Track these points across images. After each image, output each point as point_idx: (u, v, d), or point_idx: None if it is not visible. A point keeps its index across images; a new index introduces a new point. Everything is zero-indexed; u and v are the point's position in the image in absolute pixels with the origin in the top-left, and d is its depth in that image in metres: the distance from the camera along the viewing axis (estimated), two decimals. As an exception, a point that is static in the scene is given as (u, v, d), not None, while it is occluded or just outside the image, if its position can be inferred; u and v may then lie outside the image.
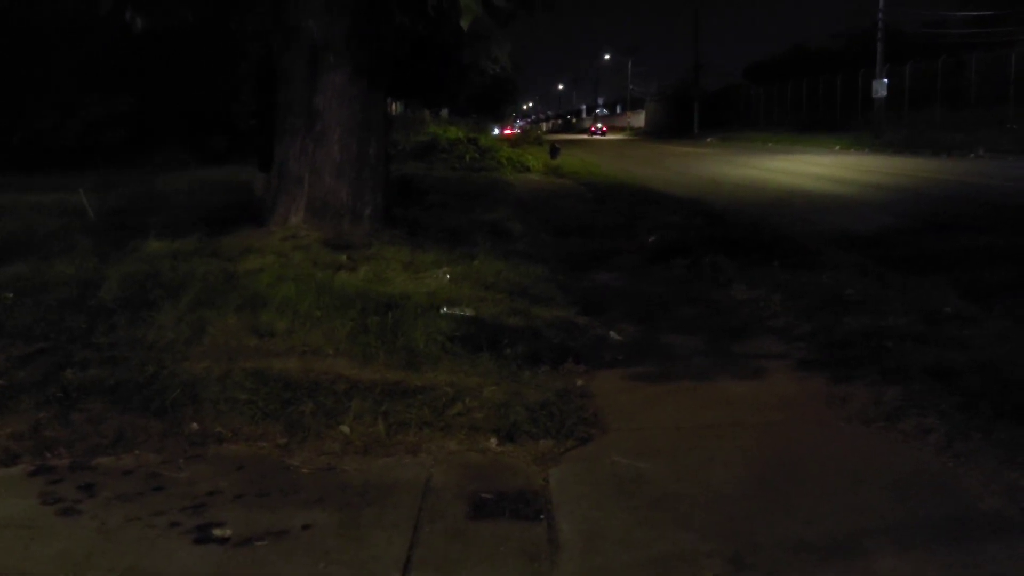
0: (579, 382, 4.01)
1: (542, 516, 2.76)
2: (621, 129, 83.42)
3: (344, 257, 5.52)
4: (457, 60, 28.14)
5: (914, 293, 5.26)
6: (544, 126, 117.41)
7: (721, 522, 2.66)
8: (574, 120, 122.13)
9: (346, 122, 6.19)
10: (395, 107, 38.73)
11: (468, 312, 4.63)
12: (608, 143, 50.49)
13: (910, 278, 5.76)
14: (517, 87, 70.08)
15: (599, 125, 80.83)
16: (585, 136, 67.62)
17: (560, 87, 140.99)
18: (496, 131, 57.12)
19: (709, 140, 43.41)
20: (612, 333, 4.80)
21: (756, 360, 4.30)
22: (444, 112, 46.19)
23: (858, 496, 2.81)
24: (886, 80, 31.89)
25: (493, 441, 3.34)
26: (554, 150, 24.23)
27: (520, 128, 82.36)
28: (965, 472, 2.94)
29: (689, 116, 55.79)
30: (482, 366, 3.96)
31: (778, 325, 4.84)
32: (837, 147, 29.19)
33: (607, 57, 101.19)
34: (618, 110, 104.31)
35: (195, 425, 3.42)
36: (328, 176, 6.20)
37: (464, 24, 4.71)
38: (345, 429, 3.41)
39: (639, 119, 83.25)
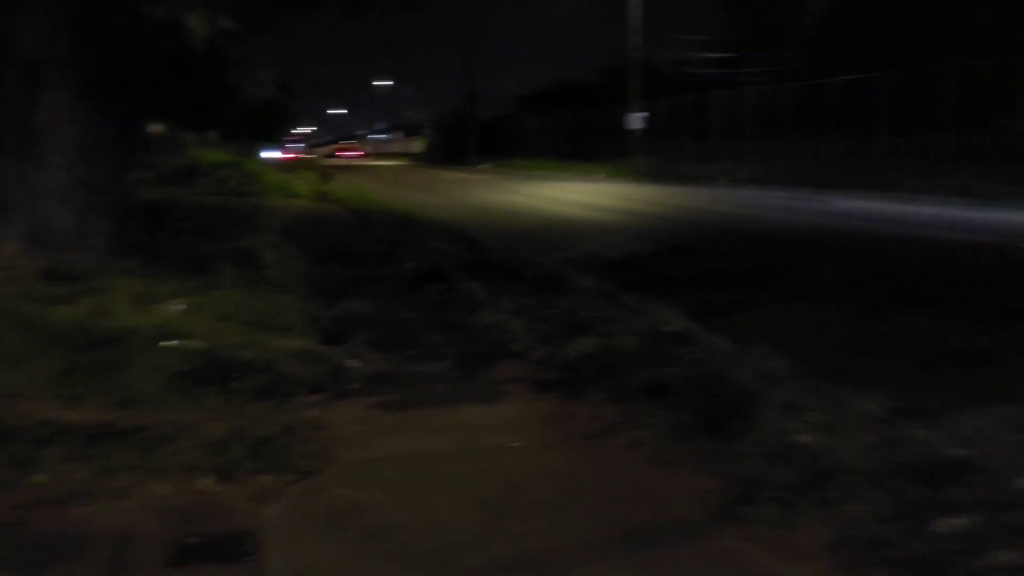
0: (311, 414, 3.90)
1: (252, 557, 2.64)
2: (399, 155, 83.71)
3: (64, 289, 5.08)
4: (221, 81, 27.09)
5: (645, 315, 5.61)
6: (324, 150, 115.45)
7: (434, 549, 2.67)
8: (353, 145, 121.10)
9: (71, 144, 5.74)
10: (157, 128, 36.60)
11: (198, 345, 4.40)
12: (384, 169, 50.47)
13: (645, 300, 6.15)
14: (291, 111, 68.57)
15: (355, 151, 78.03)
16: (362, 163, 67.09)
17: (342, 112, 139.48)
18: (273, 154, 55.45)
19: (483, 167, 44.51)
20: (354, 362, 4.73)
21: (494, 384, 4.40)
22: (213, 135, 44.27)
23: (569, 511, 2.92)
24: (644, 114, 34.18)
25: (209, 481, 3.17)
26: (325, 175, 23.86)
27: (298, 153, 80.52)
28: (665, 481, 3.14)
29: (465, 143, 56.99)
30: (207, 402, 3.77)
31: (518, 349, 4.98)
32: (601, 175, 30.88)
33: (386, 83, 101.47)
34: (400, 135, 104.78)
35: None
36: (51, 202, 5.71)
37: (195, 41, 4.51)
38: (42, 478, 3.11)
39: (417, 145, 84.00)
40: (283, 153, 66.76)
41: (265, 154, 51.22)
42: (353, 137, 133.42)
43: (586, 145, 42.23)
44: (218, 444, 3.36)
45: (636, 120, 33.90)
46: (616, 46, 39.66)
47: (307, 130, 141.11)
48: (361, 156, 67.02)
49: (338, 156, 65.43)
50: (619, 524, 2.81)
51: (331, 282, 7.39)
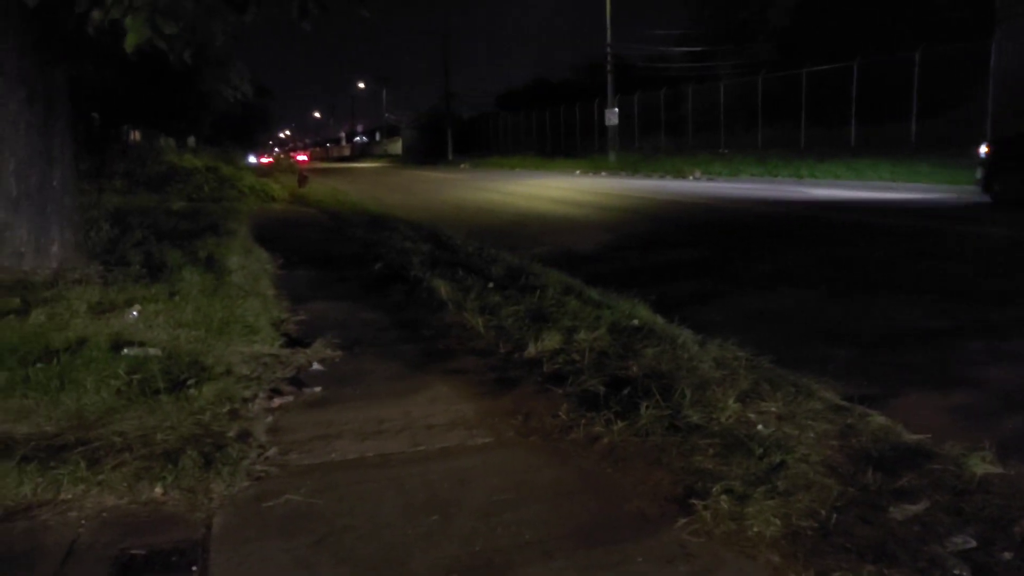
0: (267, 419, 3.85)
1: (194, 567, 2.59)
2: (379, 156, 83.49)
3: (17, 300, 4.99)
4: (197, 87, 26.92)
5: (610, 309, 5.58)
6: (302, 154, 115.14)
7: (383, 553, 2.63)
8: (332, 147, 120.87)
9: (22, 152, 5.64)
10: (134, 135, 36.37)
11: (154, 352, 4.33)
12: (362, 170, 50.28)
13: (611, 294, 6.12)
14: (270, 114, 68.23)
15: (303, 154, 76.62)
16: (343, 164, 66.82)
17: (317, 115, 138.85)
18: (252, 159, 55.20)
19: (462, 165, 44.48)
20: (315, 364, 4.69)
21: (454, 383, 4.35)
22: (191, 140, 44.03)
23: (522, 509, 2.88)
24: (617, 109, 34.26)
25: (159, 490, 3.11)
26: (302, 179, 23.75)
27: (275, 156, 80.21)
28: (620, 476, 3.11)
29: (444, 142, 56.96)
30: (161, 410, 3.70)
31: (480, 347, 4.94)
32: (577, 171, 30.92)
33: (362, 85, 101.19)
34: (377, 137, 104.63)
35: None
36: (2, 211, 5.60)
37: (128, 47, 4.43)
38: (-14, 493, 3.04)
39: (397, 146, 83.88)
40: (263, 157, 66.48)
41: (250, 159, 51.04)
42: (332, 140, 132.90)
43: (563, 141, 42.38)
44: (169, 452, 3.29)
45: (612, 116, 33.98)
46: (591, 44, 39.80)
47: (286, 133, 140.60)
48: (306, 161, 65.90)
49: (297, 161, 64.45)
50: (572, 521, 2.78)
51: (298, 285, 7.34)
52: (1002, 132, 13.91)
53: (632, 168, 29.30)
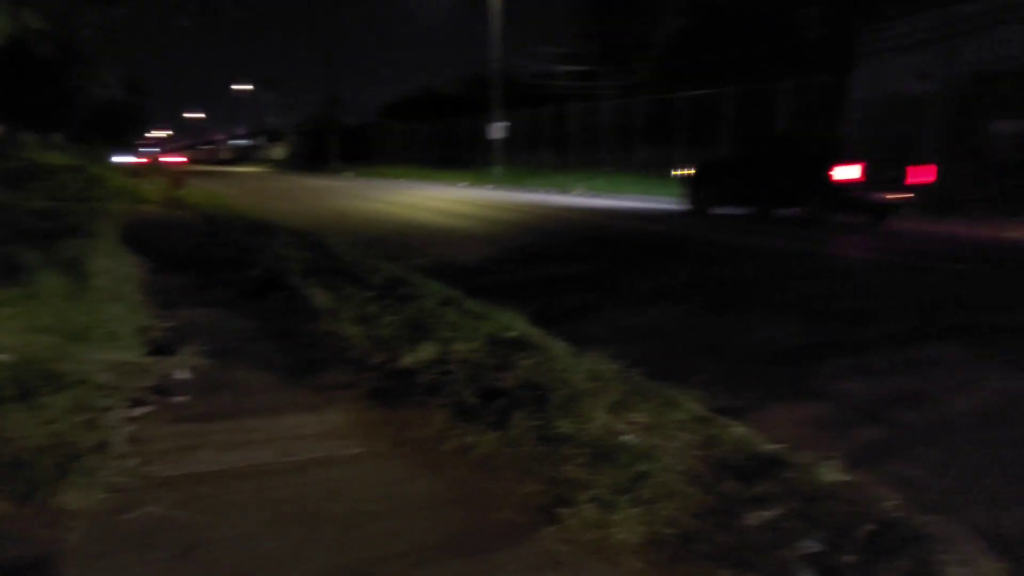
0: (128, 429, 3.69)
1: (42, 585, 2.46)
2: (261, 161, 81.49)
3: None
4: (65, 81, 25.59)
5: (487, 320, 5.62)
6: (182, 155, 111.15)
7: (246, 565, 2.56)
8: (212, 149, 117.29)
9: None
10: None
11: (5, 358, 4.08)
12: (244, 175, 48.94)
13: (490, 306, 6.16)
14: (145, 113, 65.49)
15: (179, 156, 73.59)
16: (225, 168, 64.78)
17: (201, 115, 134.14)
18: (124, 159, 52.86)
19: (346, 174, 43.89)
20: (182, 373, 4.52)
21: (327, 393, 4.29)
22: (58, 137, 41.81)
23: (392, 520, 2.87)
24: (506, 124, 34.61)
25: (5, 505, 2.94)
26: (178, 181, 22.91)
27: (150, 157, 77.04)
28: (493, 486, 3.14)
29: (328, 149, 56.09)
30: (10, 419, 3.49)
31: (355, 356, 4.89)
32: (463, 183, 31.03)
33: (246, 88, 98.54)
34: (259, 141, 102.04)
35: None
36: None
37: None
38: None
39: (279, 151, 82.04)
40: (136, 157, 63.70)
41: (117, 158, 48.81)
42: (211, 142, 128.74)
43: (449, 153, 42.47)
44: (18, 465, 3.11)
45: (498, 130, 34.28)
46: (480, 57, 40.13)
47: (163, 134, 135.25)
48: (184, 163, 62.87)
49: (161, 162, 61.22)
50: (441, 531, 2.78)
51: (169, 290, 7.07)
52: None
53: (517, 182, 29.62)
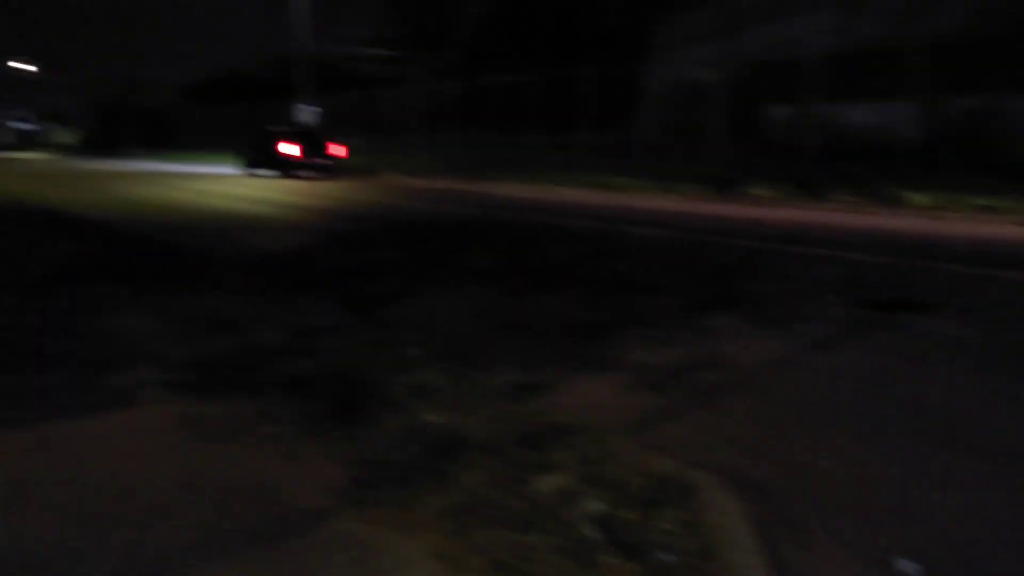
0: None
1: None
2: (48, 146, 75.45)
3: None
4: None
5: (297, 309, 5.60)
6: None
7: (30, 565, 2.48)
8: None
9: None
10: None
11: None
12: (29, 161, 45.12)
13: (301, 294, 6.13)
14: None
15: None
16: (4, 154, 59.31)
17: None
18: None
19: (147, 159, 41.42)
20: (-44, 378, 4.22)
21: (122, 391, 4.14)
22: None
23: (188, 514, 2.84)
24: (315, 108, 33.85)
25: None
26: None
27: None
28: (294, 473, 3.17)
29: (124, 134, 52.69)
30: None
31: (156, 351, 4.74)
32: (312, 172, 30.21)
33: (29, 67, 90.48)
34: (55, 126, 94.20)
35: None
36: None
37: None
38: None
39: (68, 136, 76.23)
40: None
41: None
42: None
43: (256, 137, 41.02)
44: None
45: (306, 113, 33.50)
46: (288, 39, 38.94)
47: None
48: None
49: None
50: (240, 521, 2.80)
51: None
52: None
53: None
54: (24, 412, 3.83)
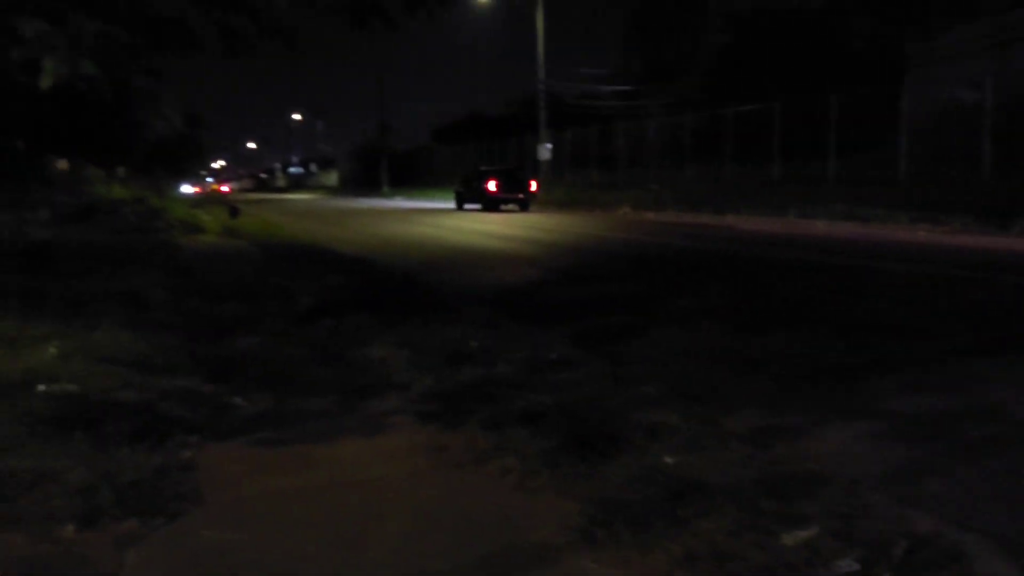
0: (185, 455, 3.85)
1: (102, 605, 2.61)
2: (314, 188, 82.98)
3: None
4: (126, 117, 26.40)
5: (531, 343, 5.72)
6: (236, 185, 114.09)
7: (294, 585, 2.68)
8: (267, 178, 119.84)
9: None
10: (61, 165, 35.53)
11: (71, 388, 4.30)
12: (297, 202, 49.91)
13: (533, 328, 6.27)
14: (203, 143, 67.33)
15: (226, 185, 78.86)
16: (278, 196, 66.23)
17: (252, 145, 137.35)
18: (187, 189, 54.52)
19: (397, 198, 44.46)
20: (237, 399, 4.69)
21: (375, 418, 4.41)
22: (120, 170, 43.13)
23: (429, 541, 2.96)
24: (550, 145, 34.84)
25: (70, 528, 3.10)
26: (234, 210, 23.48)
27: (205, 187, 79.22)
28: (530, 507, 3.22)
29: (379, 174, 56.97)
30: (74, 448, 3.68)
31: (403, 381, 5.01)
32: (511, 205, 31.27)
33: (298, 117, 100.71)
34: (312, 168, 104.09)
35: None
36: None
37: (44, 85, 4.43)
38: None
39: (332, 177, 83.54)
40: (196, 187, 65.60)
41: (184, 188, 50.46)
42: (268, 171, 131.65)
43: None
44: (82, 490, 3.28)
45: (544, 151, 34.56)
46: (525, 81, 40.55)
47: (219, 164, 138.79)
48: (228, 191, 67.33)
49: (218, 191, 65.32)
50: (477, 551, 2.87)
51: (223, 319, 7.29)
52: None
53: (564, 202, 29.91)
54: (286, 433, 4.18)
